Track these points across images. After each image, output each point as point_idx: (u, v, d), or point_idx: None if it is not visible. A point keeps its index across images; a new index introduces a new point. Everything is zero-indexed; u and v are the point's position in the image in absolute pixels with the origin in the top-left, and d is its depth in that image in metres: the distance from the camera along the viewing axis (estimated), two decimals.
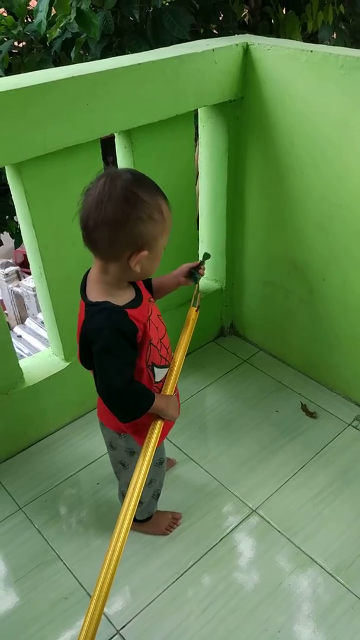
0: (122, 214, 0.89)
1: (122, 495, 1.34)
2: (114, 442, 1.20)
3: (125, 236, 0.91)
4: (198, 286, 1.28)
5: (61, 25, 1.96)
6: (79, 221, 0.94)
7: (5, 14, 2.53)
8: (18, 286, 4.06)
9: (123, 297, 0.99)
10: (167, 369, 1.13)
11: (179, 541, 1.39)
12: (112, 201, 0.89)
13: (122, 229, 0.90)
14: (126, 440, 1.17)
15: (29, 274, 3.73)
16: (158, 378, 1.10)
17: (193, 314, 1.25)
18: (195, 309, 1.25)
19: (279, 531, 1.41)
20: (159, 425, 1.06)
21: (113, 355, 0.96)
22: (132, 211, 0.89)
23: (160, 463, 1.27)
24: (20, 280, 4.21)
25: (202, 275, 1.24)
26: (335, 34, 2.78)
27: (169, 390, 1.11)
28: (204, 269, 1.25)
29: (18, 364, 1.54)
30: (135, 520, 1.15)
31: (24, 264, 4.57)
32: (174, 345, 1.18)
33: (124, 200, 0.89)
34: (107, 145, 1.55)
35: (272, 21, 2.60)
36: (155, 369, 1.09)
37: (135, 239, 0.91)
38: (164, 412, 1.06)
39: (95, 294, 0.99)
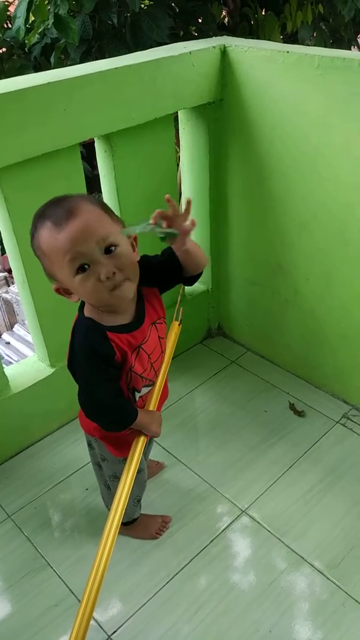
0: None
1: (102, 494, 1.35)
2: (93, 443, 1.21)
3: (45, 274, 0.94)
4: (180, 300, 1.28)
5: (39, 30, 1.95)
6: None
7: None
8: (7, 292, 4.04)
9: (112, 319, 0.97)
10: (149, 388, 1.11)
11: (169, 544, 1.39)
12: None
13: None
14: (97, 444, 1.18)
15: None
16: (138, 397, 1.09)
17: (175, 327, 1.24)
18: (178, 323, 1.25)
19: (269, 531, 1.41)
20: (141, 442, 1.06)
21: (91, 372, 0.97)
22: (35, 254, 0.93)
23: (139, 472, 1.27)
24: (8, 286, 4.19)
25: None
26: (315, 34, 2.80)
27: (151, 406, 1.10)
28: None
29: (3, 372, 1.53)
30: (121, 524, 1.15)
31: None
32: None
33: None
34: (93, 149, 1.55)
35: (252, 22, 2.61)
36: (136, 393, 1.07)
37: (48, 275, 0.94)
38: (147, 428, 1.06)
39: (85, 308, 0.98)
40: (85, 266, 0.86)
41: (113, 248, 0.87)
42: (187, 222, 0.89)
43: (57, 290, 0.94)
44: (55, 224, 0.85)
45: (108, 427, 1.07)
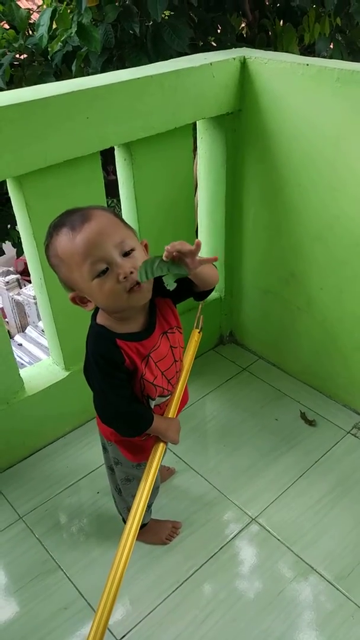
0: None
1: (113, 496, 1.36)
2: (106, 446, 1.22)
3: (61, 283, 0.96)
4: (200, 308, 1.29)
5: (62, 39, 1.99)
6: None
7: (6, 27, 2.57)
8: (19, 294, 4.07)
9: (124, 327, 0.98)
10: (166, 398, 1.12)
11: (179, 550, 1.39)
12: None
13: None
14: (112, 448, 1.19)
15: (30, 282, 3.74)
16: (154, 405, 1.10)
17: (196, 335, 1.25)
18: (198, 330, 1.26)
19: (278, 539, 1.41)
20: (160, 449, 1.07)
21: (102, 378, 0.98)
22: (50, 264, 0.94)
23: None
24: (20, 288, 4.22)
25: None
26: (332, 46, 2.82)
27: (170, 413, 1.11)
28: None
29: (19, 374, 1.55)
30: None
31: (25, 272, 4.58)
32: None
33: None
34: (108, 155, 1.57)
35: (270, 33, 2.64)
36: (151, 401, 1.08)
37: (63, 284, 0.95)
38: (164, 435, 1.07)
39: (99, 315, 1.00)
40: (104, 269, 0.87)
41: (130, 251, 0.89)
42: (193, 247, 0.88)
43: (73, 300, 0.96)
44: (71, 229, 0.87)
45: (124, 432, 1.08)
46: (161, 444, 1.07)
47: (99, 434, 1.22)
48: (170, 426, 1.08)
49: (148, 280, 0.86)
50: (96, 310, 1.00)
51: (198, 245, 0.87)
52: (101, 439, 1.22)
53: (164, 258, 0.87)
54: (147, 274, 0.85)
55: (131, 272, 0.88)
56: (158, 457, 1.06)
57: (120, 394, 1.00)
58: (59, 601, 1.30)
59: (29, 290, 3.97)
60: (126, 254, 0.89)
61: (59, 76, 2.33)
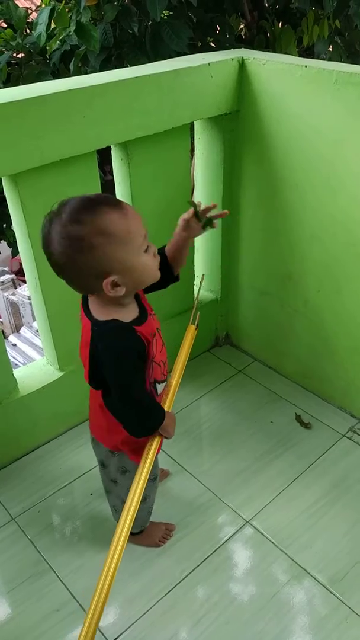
0: (66, 258, 0.88)
1: (114, 508, 1.34)
2: (105, 461, 1.20)
3: (81, 273, 0.90)
4: (196, 304, 1.30)
5: (61, 37, 1.98)
6: None
7: (4, 26, 2.56)
8: (13, 294, 4.06)
9: (128, 314, 0.98)
10: (164, 383, 1.13)
11: (173, 553, 1.38)
12: (53, 247, 0.88)
13: (73, 269, 0.90)
14: (119, 458, 1.17)
15: (25, 282, 3.74)
16: (159, 392, 1.11)
17: (192, 331, 1.24)
18: (195, 326, 1.25)
19: (272, 542, 1.41)
20: (156, 442, 1.06)
21: (129, 372, 0.97)
22: (72, 252, 0.87)
23: (154, 479, 1.27)
24: (15, 288, 4.21)
25: (206, 213, 1.09)
26: (331, 48, 2.82)
27: (166, 407, 1.11)
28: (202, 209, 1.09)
29: (12, 374, 1.54)
30: (132, 533, 1.15)
31: (20, 272, 4.57)
32: (171, 360, 1.18)
33: (62, 244, 0.87)
34: (105, 155, 1.57)
35: (268, 35, 2.64)
36: (157, 385, 1.09)
37: (92, 271, 0.89)
38: (166, 429, 1.07)
39: (99, 312, 0.98)
40: (147, 246, 0.93)
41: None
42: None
43: (108, 285, 0.90)
44: (117, 207, 0.88)
45: (142, 429, 1.05)
46: (157, 438, 1.06)
47: (98, 449, 1.20)
48: (170, 420, 1.08)
49: None
50: (85, 300, 1.00)
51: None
52: (100, 454, 1.20)
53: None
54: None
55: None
56: (154, 450, 1.05)
57: (143, 386, 1.01)
58: (51, 603, 1.29)
59: (24, 290, 3.96)
60: None
61: (57, 75, 2.32)
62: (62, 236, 0.86)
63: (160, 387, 1.11)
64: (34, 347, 2.96)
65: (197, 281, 1.89)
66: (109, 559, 0.92)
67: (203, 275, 1.63)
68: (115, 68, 1.42)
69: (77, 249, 0.87)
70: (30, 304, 3.51)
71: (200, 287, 1.30)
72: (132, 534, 1.34)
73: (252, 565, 1.37)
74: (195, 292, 1.83)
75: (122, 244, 0.88)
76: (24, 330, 3.22)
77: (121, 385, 0.98)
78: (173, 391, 1.13)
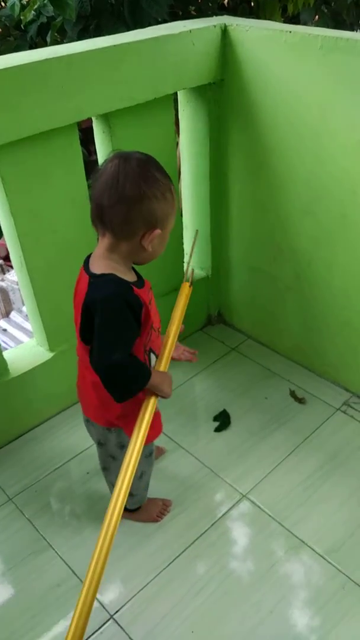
0: (139, 192, 0.91)
1: (112, 485, 1.33)
2: (102, 438, 1.19)
3: (141, 214, 0.93)
4: (190, 261, 1.28)
5: (35, 7, 1.90)
6: (90, 201, 0.96)
7: None
8: (2, 280, 4.00)
9: (128, 276, 0.99)
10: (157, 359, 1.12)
11: (170, 528, 1.39)
12: (128, 179, 0.91)
13: (139, 206, 0.92)
14: (117, 434, 1.16)
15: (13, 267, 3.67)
16: (152, 364, 1.10)
17: (186, 289, 1.21)
18: (189, 284, 1.22)
19: (269, 515, 1.41)
20: (152, 403, 1.03)
21: (117, 325, 0.95)
22: (148, 189, 0.91)
23: (150, 454, 1.27)
24: (4, 274, 4.15)
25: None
26: (317, 17, 2.75)
27: (162, 366, 1.09)
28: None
29: (2, 355, 1.52)
30: (125, 509, 1.14)
31: (8, 258, 4.50)
32: (165, 323, 1.15)
33: (140, 178, 0.91)
34: (89, 134, 1.52)
35: (252, 3, 2.56)
36: (152, 356, 1.08)
37: (149, 217, 0.93)
38: (159, 388, 1.04)
39: (99, 268, 0.97)
40: None
41: None
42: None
43: (152, 235, 0.96)
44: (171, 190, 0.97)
45: (124, 389, 1.01)
46: (152, 398, 1.04)
47: (94, 429, 1.18)
48: (164, 379, 1.05)
49: None
50: (87, 259, 1.01)
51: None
52: (96, 433, 1.19)
53: None
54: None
55: None
56: (150, 410, 1.02)
57: (129, 346, 0.98)
58: (52, 579, 1.29)
59: (13, 276, 3.90)
60: None
61: (35, 48, 2.25)
62: (147, 174, 0.92)
63: (154, 360, 1.10)
64: (25, 332, 2.93)
65: (190, 236, 1.84)
66: (106, 524, 0.90)
67: (197, 231, 1.59)
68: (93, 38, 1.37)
69: (155, 190, 0.92)
70: (20, 289, 3.47)
71: (194, 244, 1.25)
72: (129, 510, 1.35)
73: (249, 538, 1.37)
74: (189, 249, 1.78)
75: (172, 216, 0.98)
76: (14, 315, 3.19)
77: (104, 340, 0.95)
78: (169, 351, 1.11)
